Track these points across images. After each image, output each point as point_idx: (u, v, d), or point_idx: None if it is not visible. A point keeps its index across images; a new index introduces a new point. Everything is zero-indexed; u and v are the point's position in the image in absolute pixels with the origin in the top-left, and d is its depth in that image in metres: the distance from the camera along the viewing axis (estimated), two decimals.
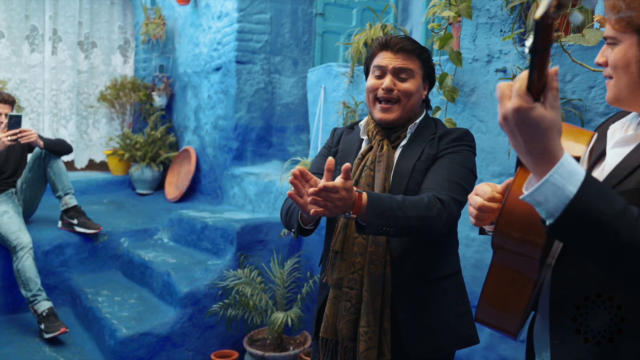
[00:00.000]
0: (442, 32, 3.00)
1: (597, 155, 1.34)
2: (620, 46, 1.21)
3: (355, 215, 1.68)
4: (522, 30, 2.62)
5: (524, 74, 0.93)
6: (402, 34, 3.71)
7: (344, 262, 1.91)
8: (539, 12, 0.84)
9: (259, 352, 3.74)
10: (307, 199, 1.65)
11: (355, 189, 1.66)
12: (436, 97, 3.06)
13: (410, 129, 1.96)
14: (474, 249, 2.88)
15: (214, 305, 3.83)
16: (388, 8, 4.17)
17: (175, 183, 6.26)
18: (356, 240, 1.88)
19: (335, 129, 2.19)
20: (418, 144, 1.93)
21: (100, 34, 7.02)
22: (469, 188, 1.87)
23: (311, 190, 1.58)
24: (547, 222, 1.00)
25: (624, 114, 1.38)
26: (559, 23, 2.42)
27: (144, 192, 6.39)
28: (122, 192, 6.44)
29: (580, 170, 0.97)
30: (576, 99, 2.40)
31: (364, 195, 1.67)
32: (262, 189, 4.94)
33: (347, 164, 1.60)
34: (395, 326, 1.90)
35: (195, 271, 4.17)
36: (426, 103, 2.08)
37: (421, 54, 1.95)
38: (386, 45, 1.95)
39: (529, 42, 0.89)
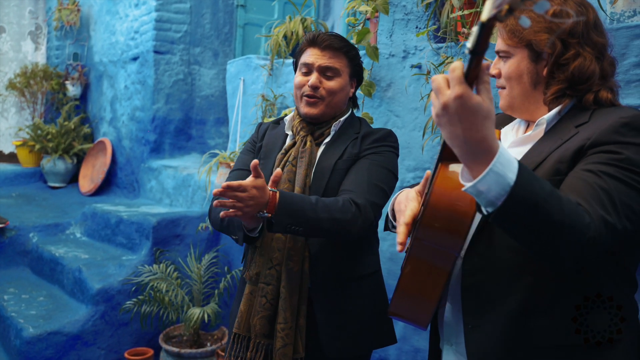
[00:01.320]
0: (360, 27, 3.02)
1: None
2: (512, 59, 1.36)
3: (269, 215, 1.65)
4: (435, 27, 2.66)
5: (457, 64, 0.96)
6: (321, 27, 3.72)
7: (262, 257, 1.88)
8: (485, 15, 0.84)
9: (175, 349, 3.66)
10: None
11: (269, 188, 1.64)
12: None
13: (335, 127, 1.96)
14: (389, 242, 2.92)
15: (128, 302, 3.71)
16: (309, 1, 4.15)
17: (90, 176, 6.04)
18: (275, 235, 1.85)
19: (260, 124, 2.16)
20: (341, 142, 1.93)
21: (9, 19, 6.66)
22: (389, 190, 1.89)
23: (215, 191, 1.55)
24: (487, 210, 1.06)
25: (506, 117, 1.54)
26: (470, 22, 2.48)
27: (57, 185, 6.13)
28: (32, 185, 6.15)
29: (513, 158, 1.03)
30: None
31: (277, 194, 1.65)
32: (180, 183, 4.84)
33: (255, 161, 1.58)
34: (312, 324, 1.88)
35: (108, 267, 4.03)
36: (353, 101, 2.08)
37: (349, 52, 1.94)
38: (314, 41, 1.92)
39: (469, 43, 0.90)
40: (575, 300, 1.23)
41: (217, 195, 1.55)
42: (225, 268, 4.08)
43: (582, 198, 1.12)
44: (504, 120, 1.55)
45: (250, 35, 5.66)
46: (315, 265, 1.87)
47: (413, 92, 2.80)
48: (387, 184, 1.88)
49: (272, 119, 3.43)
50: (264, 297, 1.85)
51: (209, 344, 3.84)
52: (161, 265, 3.89)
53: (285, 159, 1.92)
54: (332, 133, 1.96)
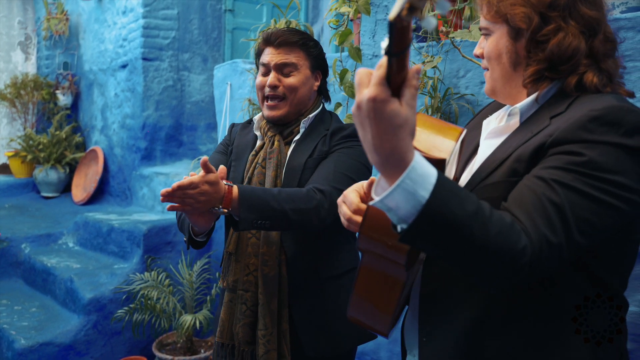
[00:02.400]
0: (343, 28, 3.00)
1: (473, 147, 1.33)
2: (492, 37, 1.21)
3: (225, 210, 1.60)
4: (414, 26, 2.65)
5: (384, 61, 0.83)
6: (306, 30, 3.70)
7: (238, 263, 1.85)
8: (391, 14, 0.77)
9: (168, 357, 3.64)
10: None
11: (224, 182, 1.59)
12: (338, 93, 3.05)
13: (304, 124, 1.91)
14: None
15: (119, 311, 3.70)
16: (294, 4, 4.13)
17: (83, 185, 6.02)
18: (250, 240, 1.83)
19: (233, 125, 2.12)
20: (311, 139, 1.89)
21: None
22: (358, 179, 1.79)
23: (163, 191, 1.51)
24: (399, 228, 0.95)
25: (498, 105, 1.38)
26: (451, 20, 2.46)
27: (50, 195, 6.10)
28: (25, 196, 6.12)
29: (432, 172, 0.91)
30: (469, 94, 2.45)
31: (235, 188, 1.61)
32: None
33: (204, 157, 1.55)
34: (292, 326, 1.86)
35: (100, 276, 4.02)
36: (323, 94, 2.02)
37: (305, 45, 1.89)
38: (268, 40, 1.88)
39: (384, 43, 0.80)
40: (533, 318, 1.12)
41: (164, 196, 1.51)
42: (217, 274, 4.06)
43: (524, 213, 0.99)
44: (497, 107, 1.39)
45: (239, 40, 5.65)
46: (293, 267, 1.84)
47: None
48: (356, 174, 1.81)
49: None
50: (244, 304, 1.83)
51: (202, 351, 3.82)
52: (152, 272, 3.87)
53: (255, 160, 1.89)
54: (301, 131, 1.92)
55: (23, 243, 4.71)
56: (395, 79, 0.84)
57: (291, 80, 1.86)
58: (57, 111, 6.48)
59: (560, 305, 1.10)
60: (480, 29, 1.27)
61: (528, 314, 1.12)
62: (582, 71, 1.11)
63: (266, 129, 1.94)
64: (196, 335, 4.01)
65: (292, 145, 1.91)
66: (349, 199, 1.25)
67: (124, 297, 3.84)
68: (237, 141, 2.02)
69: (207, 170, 1.54)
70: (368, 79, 0.86)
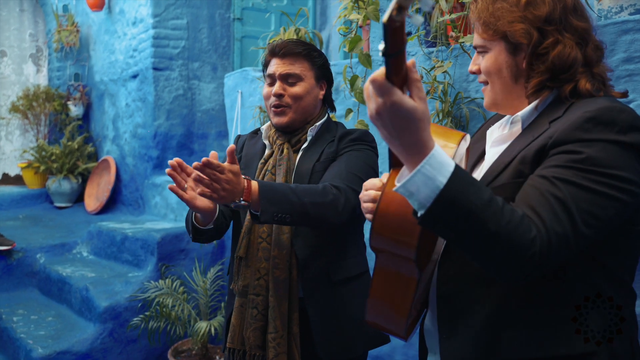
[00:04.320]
0: (353, 35, 3.03)
1: (478, 155, 1.41)
2: (490, 53, 1.30)
3: (246, 202, 1.60)
4: (424, 32, 2.68)
5: (376, 74, 0.93)
6: (316, 37, 3.74)
7: (249, 268, 1.88)
8: (385, 16, 0.83)
9: None
10: (191, 194, 1.62)
11: (243, 176, 1.60)
12: (349, 99, 3.08)
13: (311, 132, 1.96)
14: None
15: (135, 319, 3.73)
16: (302, 12, 4.17)
17: (96, 194, 6.07)
18: (260, 245, 1.85)
19: (239, 136, 2.17)
20: (318, 145, 1.94)
21: (10, 42, 6.73)
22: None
23: (195, 164, 1.50)
24: (419, 213, 1.02)
25: (499, 117, 1.46)
26: (459, 25, 2.48)
27: (63, 205, 6.16)
28: (39, 206, 6.18)
29: (450, 162, 1.00)
30: (479, 98, 2.47)
31: (254, 182, 1.63)
32: None
33: (231, 145, 1.56)
34: (307, 329, 1.88)
35: (115, 284, 4.05)
36: (328, 103, 2.07)
37: (309, 55, 1.94)
38: (273, 51, 1.94)
39: (381, 46, 0.87)
40: (548, 311, 1.17)
41: (197, 169, 1.50)
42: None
43: (531, 209, 1.06)
44: (498, 119, 1.47)
45: (248, 48, 5.69)
46: (304, 271, 1.87)
47: None
48: (366, 175, 1.83)
49: None
50: (255, 308, 1.85)
51: (217, 357, 3.84)
52: (167, 280, 3.91)
53: (265, 168, 1.93)
54: (308, 138, 1.96)
55: (38, 253, 4.76)
56: (398, 78, 0.92)
57: (296, 89, 1.92)
58: (68, 122, 6.54)
59: (575, 297, 1.16)
60: (475, 48, 1.36)
61: (544, 306, 1.17)
62: (578, 78, 1.21)
63: (275, 137, 1.98)
64: (211, 342, 4.03)
65: (300, 153, 1.95)
66: (371, 183, 1.33)
67: (139, 305, 3.87)
68: (246, 150, 2.07)
69: (233, 160, 1.55)
70: (376, 87, 0.94)
